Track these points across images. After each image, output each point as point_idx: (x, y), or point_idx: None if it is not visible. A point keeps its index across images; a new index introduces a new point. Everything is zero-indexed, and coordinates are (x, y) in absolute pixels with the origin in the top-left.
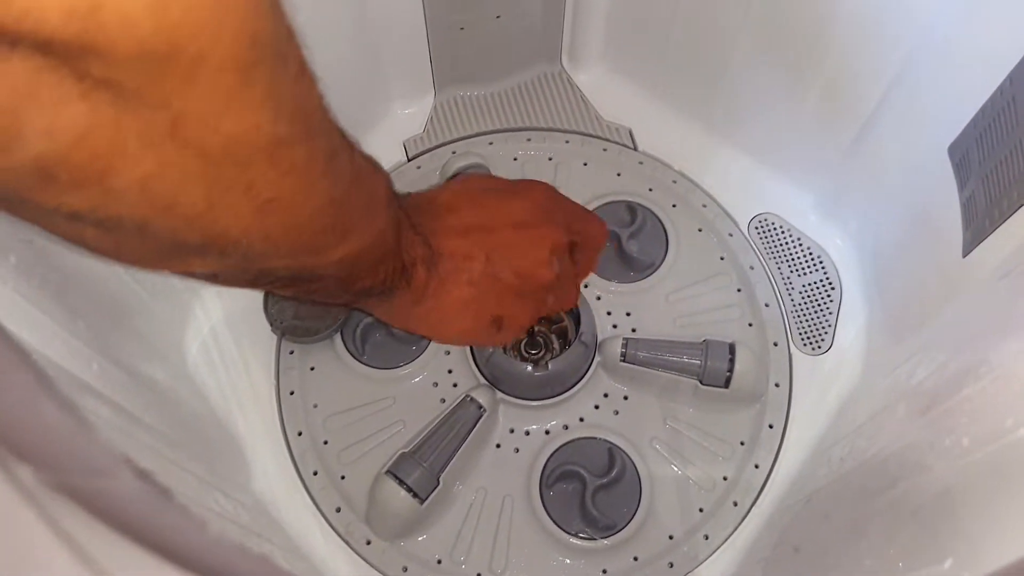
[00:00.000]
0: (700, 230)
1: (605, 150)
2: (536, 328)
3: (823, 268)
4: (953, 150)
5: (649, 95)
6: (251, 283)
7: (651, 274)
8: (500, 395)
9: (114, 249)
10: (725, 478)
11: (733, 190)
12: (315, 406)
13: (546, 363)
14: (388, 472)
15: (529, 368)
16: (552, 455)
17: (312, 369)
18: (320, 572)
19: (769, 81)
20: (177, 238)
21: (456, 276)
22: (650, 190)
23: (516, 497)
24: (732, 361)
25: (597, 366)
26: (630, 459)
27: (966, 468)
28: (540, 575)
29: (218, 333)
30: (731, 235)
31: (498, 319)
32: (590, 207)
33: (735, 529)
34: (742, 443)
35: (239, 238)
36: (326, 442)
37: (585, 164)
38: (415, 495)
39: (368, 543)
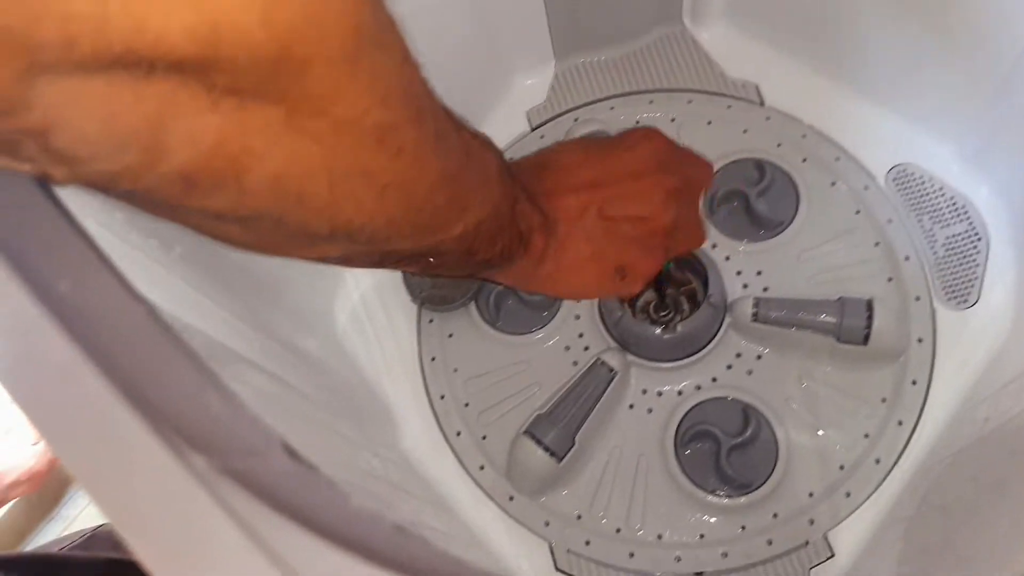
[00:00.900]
0: (833, 184)
1: (730, 107)
2: (666, 290)
3: (968, 218)
4: None
5: (775, 50)
6: (379, 263)
7: (781, 232)
8: (631, 357)
9: (256, 243)
10: (866, 435)
11: (867, 142)
12: (455, 370)
13: (675, 325)
14: (526, 432)
15: (658, 331)
16: (685, 415)
17: (451, 336)
18: (467, 526)
19: (903, 28)
20: (309, 228)
21: (573, 234)
22: (778, 146)
23: (651, 456)
24: (870, 318)
25: (728, 327)
26: (765, 418)
27: None
28: (678, 530)
29: (367, 302)
30: (867, 188)
31: (621, 268)
32: (716, 166)
33: (878, 487)
34: (883, 400)
35: (364, 223)
36: (467, 404)
37: (709, 123)
38: (552, 454)
39: (511, 499)
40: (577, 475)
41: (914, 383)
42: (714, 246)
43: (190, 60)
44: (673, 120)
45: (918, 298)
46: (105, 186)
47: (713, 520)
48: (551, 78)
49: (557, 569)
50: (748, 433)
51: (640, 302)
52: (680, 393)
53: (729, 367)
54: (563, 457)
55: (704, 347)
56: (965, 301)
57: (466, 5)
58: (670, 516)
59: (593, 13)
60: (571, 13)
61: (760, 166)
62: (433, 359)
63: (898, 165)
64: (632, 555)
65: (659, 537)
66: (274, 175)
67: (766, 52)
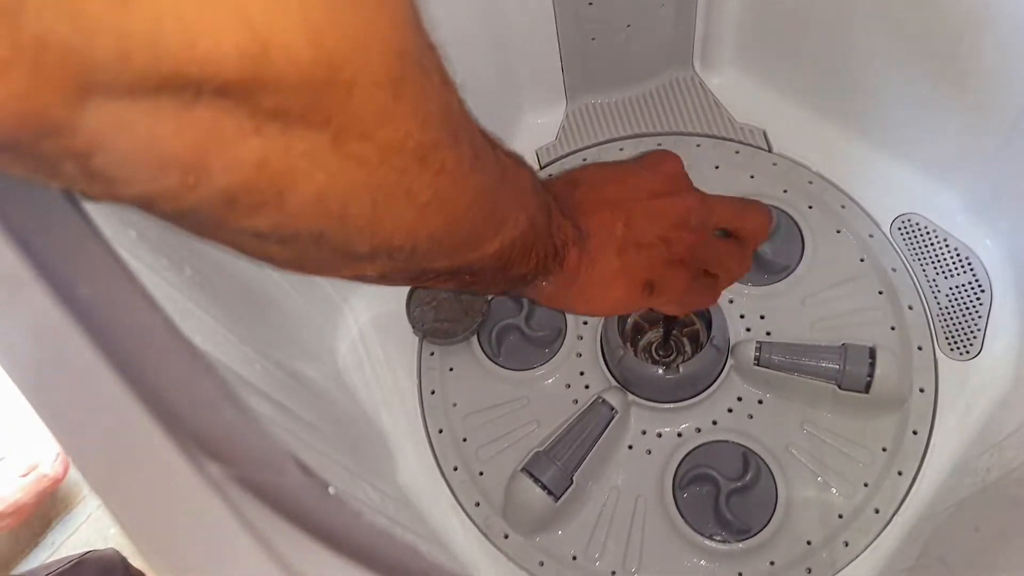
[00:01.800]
0: (838, 231)
1: (737, 152)
2: (670, 330)
3: (972, 270)
4: None
5: (783, 96)
6: (415, 280)
7: (786, 276)
8: (632, 397)
9: (296, 261)
10: (866, 484)
11: (873, 190)
12: (454, 405)
13: (677, 366)
14: (524, 470)
15: (660, 371)
16: (685, 458)
17: (451, 370)
18: (461, 563)
19: (911, 79)
20: (350, 246)
21: (604, 249)
22: (785, 191)
23: (649, 498)
24: (872, 365)
25: (730, 369)
26: (765, 463)
27: None
28: (674, 575)
29: (365, 335)
30: (871, 236)
31: (650, 284)
32: None
33: (876, 536)
34: (884, 449)
35: (404, 241)
36: (465, 439)
37: (717, 167)
38: (550, 492)
39: (506, 537)
40: (574, 515)
41: (915, 433)
42: None
43: (237, 81)
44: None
45: (921, 347)
46: (143, 206)
47: (710, 565)
48: (562, 118)
49: None
50: (748, 478)
51: (643, 342)
52: (680, 435)
53: (730, 410)
54: (560, 496)
55: (706, 389)
56: (968, 352)
57: (486, 43)
58: (666, 560)
59: (606, 55)
60: (585, 55)
61: None
62: (433, 392)
63: (903, 214)
64: None
65: None
66: (316, 196)
67: (774, 98)
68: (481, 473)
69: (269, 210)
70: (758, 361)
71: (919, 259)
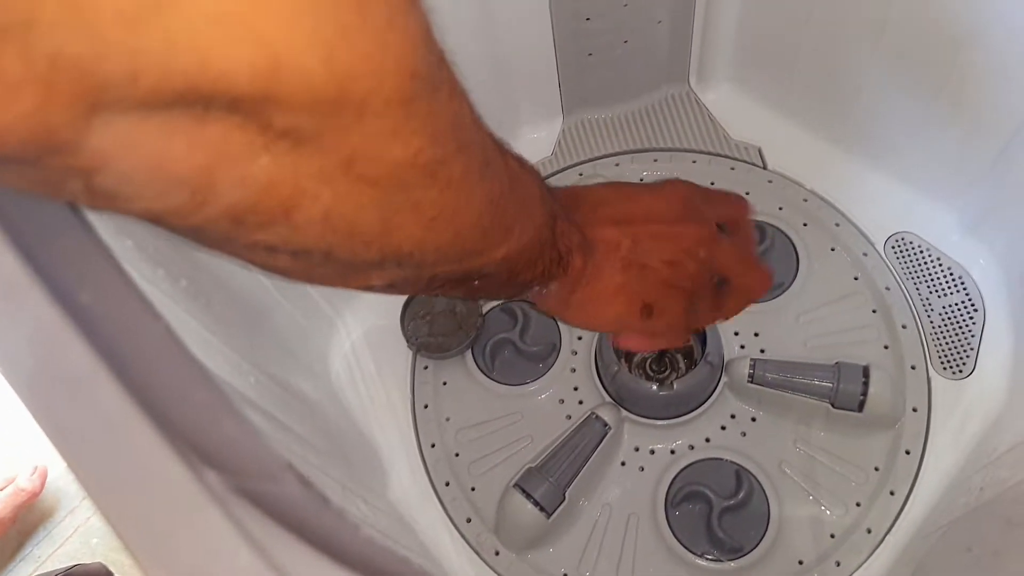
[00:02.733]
0: (833, 249)
1: (733, 169)
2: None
3: (965, 289)
4: None
5: (778, 114)
6: (424, 289)
7: (781, 294)
8: (625, 413)
9: (306, 273)
10: (858, 504)
11: (868, 209)
12: (447, 419)
13: (671, 383)
14: (516, 486)
15: (654, 387)
16: (677, 475)
17: (444, 384)
18: None
19: (905, 98)
20: (358, 259)
21: (609, 263)
22: (780, 209)
23: (641, 515)
24: (866, 384)
25: (724, 387)
26: (758, 482)
27: None
28: None
29: (358, 349)
30: (866, 254)
31: (648, 307)
32: None
33: (868, 557)
34: (877, 468)
35: (412, 251)
36: (457, 454)
37: (712, 183)
38: (542, 509)
39: (497, 554)
40: (565, 532)
41: (908, 452)
42: None
43: (248, 97)
44: None
45: (914, 367)
46: (149, 220)
47: None
48: (558, 132)
49: None
50: (740, 496)
51: (637, 358)
52: (673, 452)
53: (723, 428)
54: (552, 512)
55: (699, 406)
56: (961, 371)
57: (483, 57)
58: None
59: (603, 71)
60: (581, 70)
61: (761, 228)
62: (426, 406)
63: (897, 233)
64: None
65: None
66: (325, 213)
67: (770, 116)
68: (473, 488)
69: (277, 227)
70: (752, 378)
71: (913, 278)
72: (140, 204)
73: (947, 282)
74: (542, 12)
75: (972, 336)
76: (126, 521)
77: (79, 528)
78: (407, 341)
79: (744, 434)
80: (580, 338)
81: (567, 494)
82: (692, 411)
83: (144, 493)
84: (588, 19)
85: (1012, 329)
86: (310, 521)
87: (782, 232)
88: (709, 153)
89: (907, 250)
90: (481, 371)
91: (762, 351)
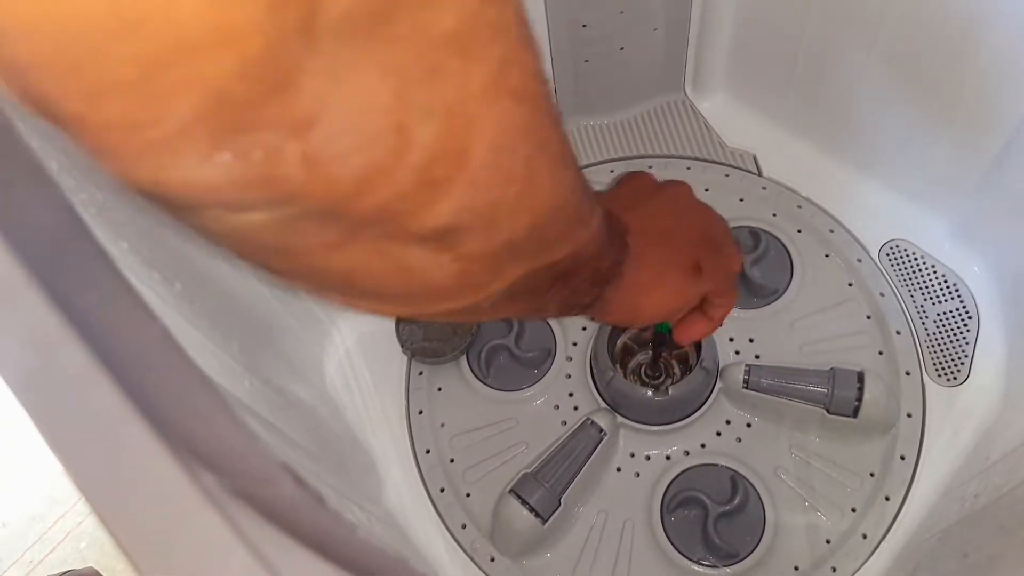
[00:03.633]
0: (827, 256)
1: (727, 176)
2: (660, 352)
3: (959, 296)
4: None
5: (773, 121)
6: (503, 301)
7: (775, 300)
8: (620, 419)
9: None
10: (853, 509)
11: (862, 216)
12: (442, 425)
13: (666, 388)
14: (511, 492)
15: (649, 393)
16: (673, 481)
17: (439, 390)
18: None
19: (900, 106)
20: (496, 236)
21: (646, 244)
22: (774, 215)
23: (637, 521)
24: (861, 390)
25: (719, 392)
26: (753, 487)
27: None
28: None
29: (353, 354)
30: (860, 261)
31: (697, 267)
32: None
33: (864, 562)
34: (872, 474)
35: (533, 223)
36: (452, 460)
37: (707, 190)
38: (537, 515)
39: (492, 560)
40: (561, 538)
41: (903, 458)
42: None
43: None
44: None
45: (908, 373)
46: (338, 202)
47: None
48: None
49: None
50: (736, 502)
51: (632, 363)
52: (668, 458)
53: (718, 434)
54: (548, 519)
55: (694, 412)
56: (955, 378)
57: None
58: None
59: (598, 78)
60: (577, 76)
61: (755, 234)
62: (420, 412)
63: (892, 240)
64: None
65: None
66: (489, 146)
67: (765, 123)
68: (468, 494)
69: (454, 187)
70: (747, 384)
71: (907, 285)
72: (351, 164)
73: (941, 289)
74: (538, 18)
75: (966, 343)
76: (122, 523)
77: (71, 533)
78: (402, 346)
79: (739, 440)
80: (575, 344)
81: (563, 500)
82: (687, 417)
83: (140, 495)
84: (584, 26)
85: (1006, 336)
86: (306, 523)
87: (776, 239)
88: (704, 160)
89: (901, 257)
90: (476, 377)
91: (757, 357)
